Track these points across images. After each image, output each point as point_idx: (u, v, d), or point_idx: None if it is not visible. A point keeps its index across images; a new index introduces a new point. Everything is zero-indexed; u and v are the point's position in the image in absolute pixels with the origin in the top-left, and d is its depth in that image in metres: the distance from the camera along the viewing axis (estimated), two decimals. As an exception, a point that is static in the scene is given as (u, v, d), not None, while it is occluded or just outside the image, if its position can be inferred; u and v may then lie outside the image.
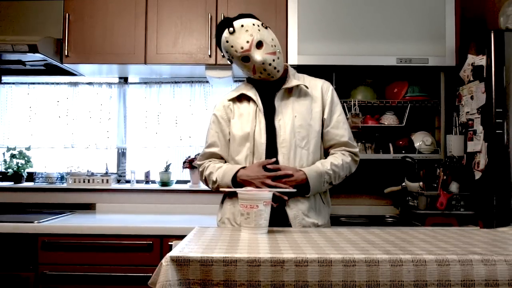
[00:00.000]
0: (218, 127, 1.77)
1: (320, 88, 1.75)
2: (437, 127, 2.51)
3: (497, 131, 2.03)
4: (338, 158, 1.69)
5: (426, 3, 2.35)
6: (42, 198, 2.79)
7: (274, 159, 1.64)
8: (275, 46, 1.66)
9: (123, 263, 2.13)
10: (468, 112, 2.24)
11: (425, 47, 2.34)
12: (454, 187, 2.20)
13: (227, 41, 1.64)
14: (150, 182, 2.88)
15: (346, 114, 1.83)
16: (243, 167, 1.65)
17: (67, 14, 2.50)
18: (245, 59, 1.64)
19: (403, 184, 2.37)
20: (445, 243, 1.20)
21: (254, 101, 1.72)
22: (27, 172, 2.89)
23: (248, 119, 1.71)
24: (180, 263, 1.02)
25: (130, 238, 2.14)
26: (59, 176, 2.87)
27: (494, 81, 2.04)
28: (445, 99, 2.44)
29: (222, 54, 1.75)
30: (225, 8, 2.46)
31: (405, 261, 1.01)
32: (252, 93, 1.73)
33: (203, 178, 1.77)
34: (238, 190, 1.44)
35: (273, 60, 1.64)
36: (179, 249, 1.08)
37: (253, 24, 1.63)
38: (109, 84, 2.93)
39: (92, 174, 2.82)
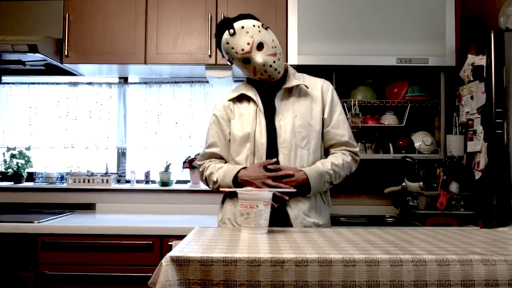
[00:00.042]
0: (218, 127, 1.77)
1: (320, 87, 1.75)
2: (437, 127, 2.51)
3: (497, 131, 2.03)
4: (339, 157, 1.69)
5: (426, 3, 2.35)
6: (42, 198, 2.79)
7: (274, 159, 1.64)
8: (275, 47, 1.65)
9: (123, 263, 2.13)
10: (468, 112, 2.24)
11: (425, 47, 2.34)
12: (454, 187, 2.20)
13: (227, 43, 1.64)
14: (150, 182, 2.88)
15: (346, 114, 1.83)
16: (244, 168, 1.65)
17: (67, 14, 2.50)
18: (246, 61, 1.64)
19: (403, 184, 2.37)
20: (445, 243, 1.20)
21: (254, 101, 1.72)
22: (27, 172, 2.89)
23: (248, 119, 1.70)
24: (180, 263, 1.02)
25: (130, 238, 2.14)
26: (59, 176, 2.87)
27: (494, 81, 2.04)
28: (445, 99, 2.44)
29: (222, 54, 1.74)
30: (225, 8, 2.46)
31: (405, 261, 1.01)
32: (252, 93, 1.72)
33: (204, 178, 1.77)
34: (238, 190, 1.44)
35: (274, 62, 1.64)
36: (179, 249, 1.08)
37: (254, 26, 1.63)
38: (109, 84, 2.93)
39: (92, 174, 2.82)
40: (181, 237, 1.36)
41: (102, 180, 2.79)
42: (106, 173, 2.85)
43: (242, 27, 1.61)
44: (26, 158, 2.87)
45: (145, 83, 2.92)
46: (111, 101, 2.93)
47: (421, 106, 2.48)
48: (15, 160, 2.85)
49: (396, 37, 2.35)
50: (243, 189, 1.51)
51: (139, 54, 2.48)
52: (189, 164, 2.76)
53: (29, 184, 2.83)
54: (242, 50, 1.61)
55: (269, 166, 1.62)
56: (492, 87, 2.04)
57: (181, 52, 2.49)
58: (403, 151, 2.44)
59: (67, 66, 2.58)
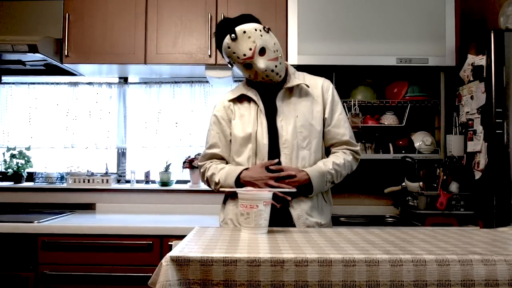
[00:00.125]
0: (219, 127, 1.76)
1: (320, 86, 1.75)
2: (437, 127, 2.51)
3: (497, 131, 2.03)
4: (340, 157, 1.69)
5: (426, 3, 2.35)
6: (42, 198, 2.79)
7: (277, 160, 1.64)
8: (277, 51, 1.64)
9: (123, 263, 2.13)
10: (468, 112, 2.24)
11: (425, 47, 2.34)
12: (454, 187, 2.20)
13: (228, 47, 1.62)
14: (150, 182, 2.88)
15: (346, 114, 1.83)
16: (246, 168, 1.64)
17: (67, 14, 2.50)
18: (248, 66, 1.63)
19: (403, 184, 2.37)
20: (445, 243, 1.20)
21: (254, 102, 1.71)
22: (27, 172, 2.89)
23: (249, 120, 1.70)
24: (180, 263, 1.02)
25: (130, 238, 2.14)
26: (59, 176, 2.87)
27: (494, 81, 2.04)
28: (445, 99, 2.44)
29: (222, 55, 1.72)
30: (225, 8, 2.46)
31: (405, 261, 1.01)
32: (252, 93, 1.72)
33: (205, 179, 1.76)
34: (238, 190, 1.44)
35: (276, 66, 1.63)
36: (179, 249, 1.08)
37: (256, 30, 1.61)
38: (109, 84, 2.93)
39: (92, 174, 2.82)
40: (181, 237, 1.36)
41: (102, 180, 2.79)
42: (106, 173, 2.85)
43: (244, 32, 1.59)
44: (26, 158, 2.87)
45: (145, 83, 2.92)
46: (111, 101, 2.93)
47: (421, 106, 2.48)
48: (15, 160, 2.85)
49: (396, 37, 2.35)
50: (243, 189, 1.51)
51: (139, 54, 2.48)
52: (189, 164, 2.76)
53: (29, 184, 2.83)
54: (244, 55, 1.60)
55: (271, 167, 1.62)
56: (492, 87, 2.04)
57: (181, 52, 2.49)
58: (403, 151, 2.44)
59: (67, 66, 2.58)
